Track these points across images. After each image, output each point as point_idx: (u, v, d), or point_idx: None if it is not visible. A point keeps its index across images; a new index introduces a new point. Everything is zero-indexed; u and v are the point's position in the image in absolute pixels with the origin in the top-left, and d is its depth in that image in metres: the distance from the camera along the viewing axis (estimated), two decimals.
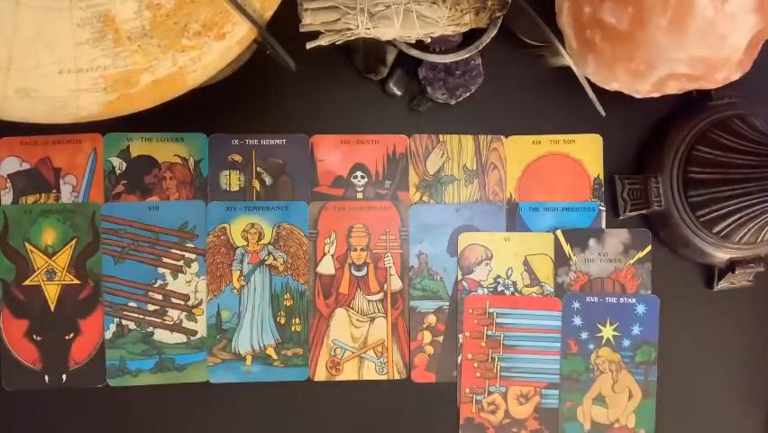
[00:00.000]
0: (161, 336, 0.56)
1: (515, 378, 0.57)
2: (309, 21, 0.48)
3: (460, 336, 0.57)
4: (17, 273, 0.55)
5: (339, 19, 0.48)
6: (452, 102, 0.56)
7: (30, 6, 0.37)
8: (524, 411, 0.57)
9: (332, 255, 0.57)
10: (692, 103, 0.57)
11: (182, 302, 0.56)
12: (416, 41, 0.50)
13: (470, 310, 0.57)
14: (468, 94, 0.56)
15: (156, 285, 0.56)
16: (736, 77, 0.49)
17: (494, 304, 0.57)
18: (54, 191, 0.55)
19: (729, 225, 0.53)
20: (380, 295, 0.57)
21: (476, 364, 0.57)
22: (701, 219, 0.55)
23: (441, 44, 0.53)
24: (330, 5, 0.48)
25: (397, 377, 0.57)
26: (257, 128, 0.57)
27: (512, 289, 0.57)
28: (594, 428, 0.58)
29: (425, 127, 0.58)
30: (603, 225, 0.58)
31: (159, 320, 0.56)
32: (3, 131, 0.55)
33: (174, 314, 0.56)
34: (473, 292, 0.57)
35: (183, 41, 0.39)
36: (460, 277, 0.57)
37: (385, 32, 0.48)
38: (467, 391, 0.57)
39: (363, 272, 0.57)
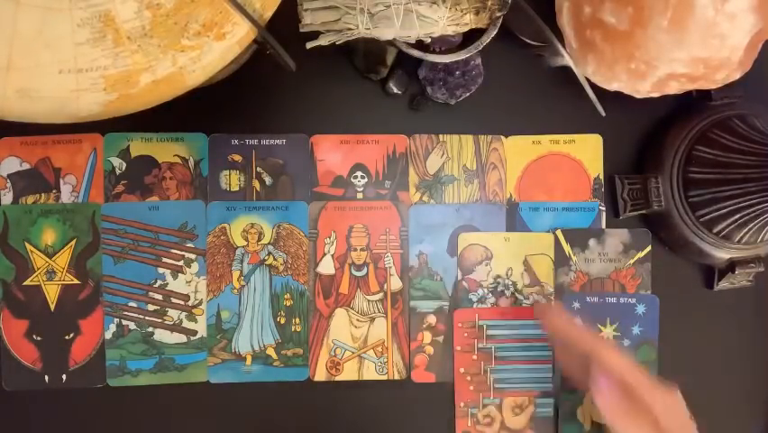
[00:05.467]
0: (161, 336, 0.56)
1: (508, 389, 0.57)
2: (309, 21, 0.48)
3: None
4: (17, 273, 0.55)
5: (339, 19, 0.48)
6: (452, 102, 0.56)
7: (30, 6, 0.37)
8: (519, 422, 0.57)
9: (332, 255, 0.57)
10: (692, 103, 0.57)
11: (182, 302, 0.56)
12: (416, 41, 0.50)
13: (460, 324, 0.57)
14: (468, 94, 0.56)
15: (156, 285, 0.56)
16: (736, 77, 0.49)
17: (483, 317, 0.57)
18: (54, 191, 0.55)
19: (729, 225, 0.53)
20: (380, 295, 0.57)
21: (469, 378, 0.57)
22: (701, 219, 0.55)
23: (441, 44, 0.53)
24: (330, 5, 0.48)
25: (397, 377, 0.57)
26: (257, 128, 0.57)
27: (512, 289, 0.57)
28: (594, 428, 0.58)
29: (425, 127, 0.58)
30: (603, 225, 0.58)
31: (159, 320, 0.56)
32: (3, 131, 0.55)
33: (174, 314, 0.56)
34: (472, 292, 0.57)
35: (183, 41, 0.39)
36: (460, 277, 0.57)
37: (385, 32, 0.48)
38: (461, 405, 0.57)
39: (363, 272, 0.57)
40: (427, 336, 0.57)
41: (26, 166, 0.55)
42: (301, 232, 0.57)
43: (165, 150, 0.56)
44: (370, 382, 0.57)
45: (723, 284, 0.58)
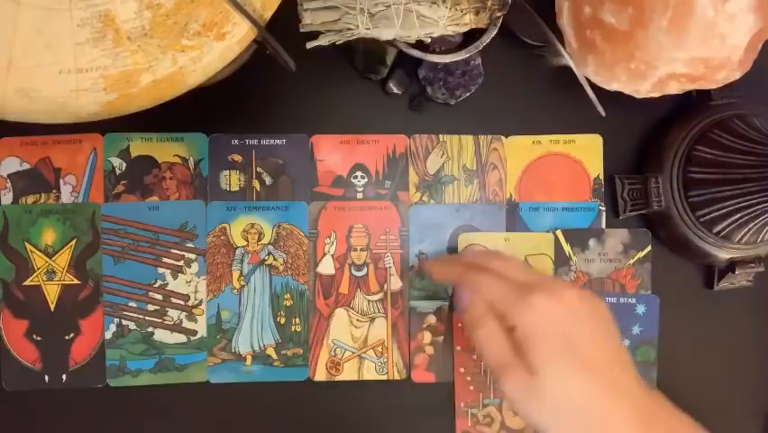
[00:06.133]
0: (161, 336, 0.56)
1: None
2: (309, 21, 0.48)
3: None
4: (17, 273, 0.55)
5: (339, 19, 0.48)
6: (452, 102, 0.56)
7: (30, 6, 0.37)
8: (519, 422, 0.57)
9: (332, 255, 0.57)
10: (692, 103, 0.57)
11: (182, 302, 0.56)
12: (416, 41, 0.50)
13: (460, 324, 0.57)
14: (468, 94, 0.56)
15: (156, 285, 0.56)
16: (736, 77, 0.49)
17: None
18: (54, 191, 0.55)
19: (729, 225, 0.53)
20: (380, 295, 0.57)
21: (469, 378, 0.57)
22: (701, 219, 0.55)
23: (441, 44, 0.53)
24: (330, 5, 0.48)
25: (397, 377, 0.57)
26: (257, 128, 0.57)
27: None
28: None
29: (425, 127, 0.58)
30: (603, 225, 0.58)
31: (159, 320, 0.56)
32: (3, 131, 0.55)
33: (174, 314, 0.56)
34: None
35: (183, 41, 0.39)
36: None
37: (385, 32, 0.48)
38: (461, 405, 0.57)
39: (363, 272, 0.57)
40: (427, 336, 0.57)
41: (26, 166, 0.55)
42: (301, 232, 0.57)
43: (165, 150, 0.56)
44: (370, 382, 0.57)
45: (723, 284, 0.58)
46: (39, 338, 0.55)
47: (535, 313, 0.41)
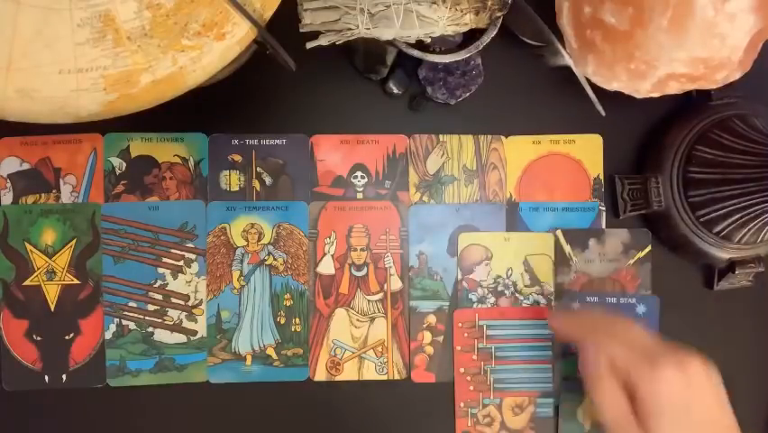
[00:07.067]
0: (161, 336, 0.56)
1: (508, 389, 0.57)
2: (309, 21, 0.48)
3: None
4: (17, 273, 0.55)
5: (339, 19, 0.48)
6: (452, 102, 0.56)
7: (30, 6, 0.37)
8: (519, 421, 0.57)
9: (332, 255, 0.57)
10: (692, 103, 0.57)
11: (182, 302, 0.56)
12: (416, 41, 0.50)
13: (460, 324, 0.57)
14: (468, 94, 0.56)
15: (156, 285, 0.56)
16: (736, 77, 0.49)
17: (483, 317, 0.57)
18: (54, 191, 0.55)
19: (729, 225, 0.53)
20: (380, 295, 0.57)
21: (469, 378, 0.57)
22: (701, 219, 0.55)
23: (441, 44, 0.53)
24: (330, 5, 0.48)
25: (397, 377, 0.57)
26: (257, 128, 0.57)
27: (512, 289, 0.57)
28: (594, 428, 0.58)
29: (425, 127, 0.58)
30: (603, 225, 0.58)
31: (159, 320, 0.56)
32: (3, 131, 0.55)
33: (174, 314, 0.56)
34: (472, 292, 0.57)
35: (183, 41, 0.39)
36: (460, 277, 0.57)
37: (385, 32, 0.48)
38: (461, 405, 0.57)
39: (363, 272, 0.57)
40: (427, 336, 0.57)
41: (26, 166, 0.55)
42: (301, 232, 0.57)
43: (165, 150, 0.56)
44: (370, 382, 0.57)
45: (723, 284, 0.58)
46: (39, 338, 0.55)
47: (661, 384, 0.43)
